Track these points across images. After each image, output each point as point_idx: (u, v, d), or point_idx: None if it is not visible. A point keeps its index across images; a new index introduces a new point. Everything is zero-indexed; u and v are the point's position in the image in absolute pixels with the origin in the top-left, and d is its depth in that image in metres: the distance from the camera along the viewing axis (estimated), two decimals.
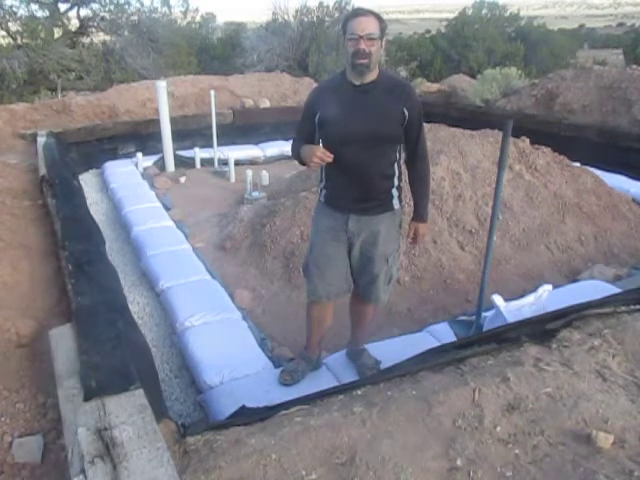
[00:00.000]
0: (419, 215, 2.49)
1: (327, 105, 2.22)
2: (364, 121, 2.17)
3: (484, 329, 2.90)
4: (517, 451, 1.59)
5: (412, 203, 2.51)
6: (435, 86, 10.41)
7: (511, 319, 2.71)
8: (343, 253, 2.41)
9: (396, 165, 2.32)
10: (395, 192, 2.35)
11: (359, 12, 2.13)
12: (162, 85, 6.47)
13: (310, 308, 2.61)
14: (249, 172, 5.69)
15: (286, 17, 16.12)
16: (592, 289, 3.34)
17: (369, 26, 2.08)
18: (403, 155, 2.39)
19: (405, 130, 2.25)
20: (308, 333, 2.70)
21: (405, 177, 2.43)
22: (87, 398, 1.74)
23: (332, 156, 2.14)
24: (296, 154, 2.33)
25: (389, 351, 2.77)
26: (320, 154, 2.12)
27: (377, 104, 2.18)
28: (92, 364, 1.92)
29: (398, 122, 2.21)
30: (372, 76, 2.18)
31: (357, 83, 2.18)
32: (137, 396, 1.76)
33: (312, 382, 2.57)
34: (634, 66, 8.13)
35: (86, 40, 14.79)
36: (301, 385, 2.58)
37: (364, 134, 2.17)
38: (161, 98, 6.45)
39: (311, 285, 2.49)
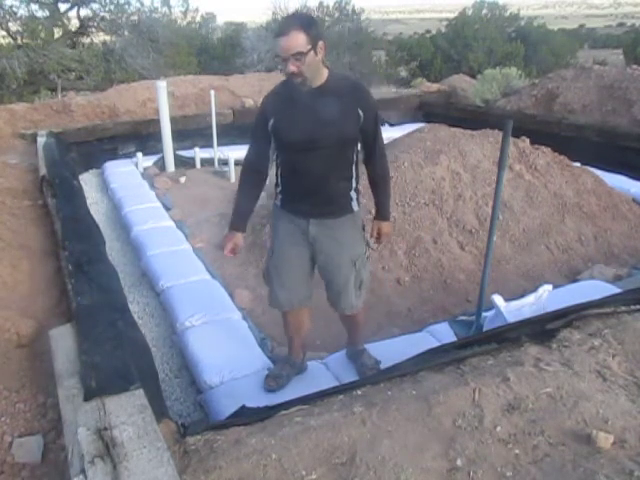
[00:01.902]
0: (381, 214, 2.47)
1: (281, 112, 2.17)
2: (319, 124, 2.12)
3: (484, 329, 2.90)
4: (517, 451, 1.59)
5: (374, 203, 2.49)
6: (435, 86, 10.41)
7: (511, 319, 2.71)
8: (304, 258, 2.37)
9: (354, 167, 2.29)
10: (354, 194, 2.32)
11: (281, 31, 2.02)
12: (162, 85, 6.47)
13: (285, 316, 2.60)
14: None
15: None
16: (592, 289, 3.34)
17: (292, 46, 1.98)
18: (360, 156, 2.36)
19: (361, 130, 2.21)
20: (288, 339, 2.70)
21: (363, 179, 2.41)
22: (87, 398, 1.74)
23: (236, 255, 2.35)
24: (245, 169, 2.34)
25: (389, 351, 2.77)
26: (227, 251, 2.32)
27: (331, 107, 2.12)
28: (92, 364, 1.92)
29: (354, 123, 2.17)
30: (319, 80, 2.12)
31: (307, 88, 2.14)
32: (137, 396, 1.76)
33: (312, 382, 2.56)
34: (634, 66, 8.13)
35: (86, 40, 14.78)
36: (301, 385, 2.58)
37: (321, 138, 2.13)
38: (161, 98, 6.45)
39: (272, 292, 2.46)
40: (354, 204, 2.33)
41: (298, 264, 2.38)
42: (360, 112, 2.16)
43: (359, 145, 2.30)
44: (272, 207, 2.48)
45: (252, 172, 2.35)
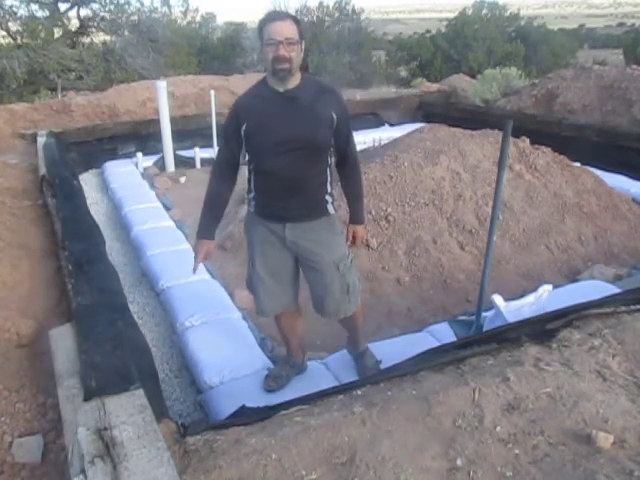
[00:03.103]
0: (356, 218, 2.45)
1: (253, 116, 2.14)
2: (293, 128, 2.10)
3: (484, 329, 2.90)
4: (517, 451, 1.59)
5: (347, 206, 2.47)
6: (435, 86, 10.42)
7: (511, 319, 2.71)
8: (285, 263, 2.35)
9: (328, 170, 2.27)
10: (329, 198, 2.29)
11: (276, 16, 2.04)
12: (162, 85, 6.47)
13: (277, 320, 2.59)
14: None
15: None
16: (592, 289, 3.34)
17: (287, 30, 1.99)
18: (333, 160, 2.34)
19: (334, 134, 2.19)
20: (284, 341, 2.70)
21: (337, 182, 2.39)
22: (87, 398, 1.74)
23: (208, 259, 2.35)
24: (215, 174, 2.32)
25: (389, 351, 2.77)
26: (200, 259, 2.32)
27: (305, 110, 2.10)
28: (92, 364, 1.92)
29: (328, 127, 2.15)
30: (295, 81, 2.11)
31: (281, 90, 2.11)
32: (137, 396, 1.76)
33: (312, 382, 2.56)
34: (634, 66, 8.13)
35: (86, 40, 14.77)
36: (301, 385, 2.58)
37: (294, 142, 2.11)
38: (161, 98, 6.45)
39: (258, 301, 2.44)
40: (329, 207, 2.30)
41: (279, 269, 2.36)
42: (334, 115, 2.14)
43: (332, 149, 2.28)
44: (245, 215, 2.44)
45: (221, 177, 2.32)
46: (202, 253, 2.33)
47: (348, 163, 2.34)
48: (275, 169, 2.16)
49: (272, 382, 2.58)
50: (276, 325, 2.65)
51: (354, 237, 2.48)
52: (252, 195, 2.32)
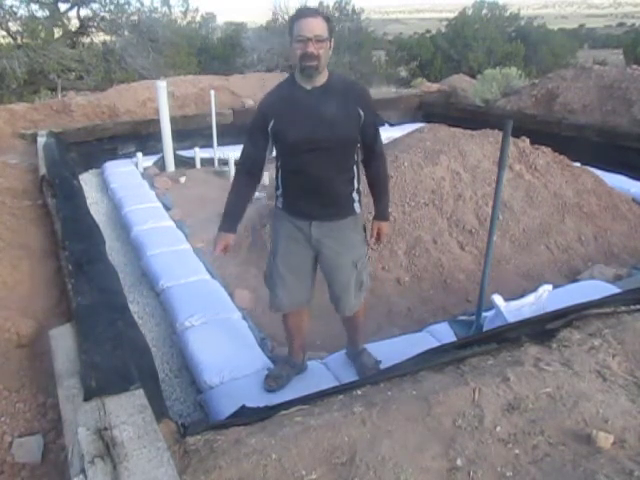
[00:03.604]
0: (381, 215, 2.46)
1: (281, 113, 2.16)
2: (320, 126, 2.11)
3: (484, 329, 2.90)
4: (517, 451, 1.59)
5: (373, 203, 2.48)
6: (435, 86, 10.42)
7: (511, 319, 2.71)
8: (306, 260, 2.37)
9: (355, 168, 2.29)
10: (355, 196, 2.31)
11: (306, 13, 2.06)
12: (162, 85, 6.47)
13: (285, 318, 2.60)
14: None
15: (286, 17, 16.11)
16: (592, 289, 3.34)
17: (317, 27, 2.01)
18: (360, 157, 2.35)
19: (361, 131, 2.21)
20: (289, 340, 2.70)
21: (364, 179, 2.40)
22: (87, 398, 1.74)
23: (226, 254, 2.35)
24: (240, 171, 2.35)
25: (389, 351, 2.77)
26: (218, 250, 2.31)
27: (332, 107, 2.12)
28: (92, 364, 1.92)
29: (354, 124, 2.17)
30: (322, 79, 2.13)
31: (308, 87, 2.13)
32: (137, 396, 1.76)
33: (312, 382, 2.57)
34: (634, 66, 8.13)
35: (86, 40, 14.78)
36: (301, 385, 2.58)
37: (322, 139, 2.12)
38: (161, 98, 6.45)
39: (274, 296, 2.45)
40: (356, 206, 2.33)
41: (300, 266, 2.38)
42: (361, 112, 2.16)
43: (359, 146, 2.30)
44: (273, 210, 2.47)
45: (246, 174, 2.34)
46: (221, 245, 2.34)
47: (375, 160, 2.34)
48: (302, 166, 2.19)
49: (272, 382, 2.58)
50: (283, 323, 2.65)
51: (379, 234, 2.49)
52: (279, 192, 2.35)
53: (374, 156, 2.33)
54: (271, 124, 2.17)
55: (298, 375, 2.69)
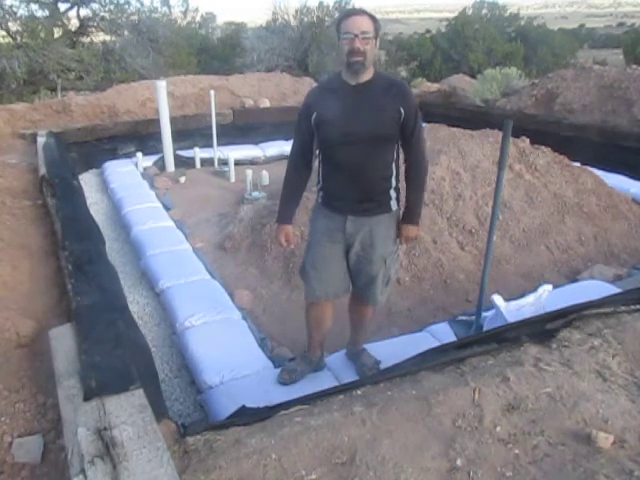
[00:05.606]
0: (410, 217, 2.44)
1: (324, 106, 2.22)
2: (362, 121, 2.16)
3: (484, 329, 2.90)
4: (517, 451, 1.59)
5: (404, 203, 2.47)
6: (435, 86, 10.42)
7: (511, 319, 2.71)
8: (340, 254, 2.40)
9: (394, 165, 2.31)
10: (393, 193, 2.33)
11: (353, 11, 2.15)
12: (162, 85, 6.47)
13: (309, 310, 2.61)
14: (249, 172, 5.68)
15: (286, 17, 16.13)
16: (592, 289, 3.34)
17: (363, 25, 2.09)
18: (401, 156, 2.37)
19: (402, 129, 2.23)
20: (308, 335, 2.70)
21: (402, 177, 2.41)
22: (87, 398, 1.74)
23: (292, 245, 2.40)
24: (290, 164, 2.42)
25: (389, 351, 2.77)
26: (283, 242, 2.43)
27: (374, 103, 2.17)
28: (92, 364, 1.92)
29: (395, 121, 2.20)
30: (368, 75, 2.18)
31: (353, 83, 2.18)
32: (137, 396, 1.76)
33: (312, 382, 2.57)
34: (634, 66, 8.13)
35: (86, 40, 14.79)
36: (301, 385, 2.58)
37: (362, 134, 2.17)
38: (161, 98, 6.45)
39: (309, 287, 2.49)
40: (393, 203, 2.35)
41: (334, 260, 2.41)
42: (402, 110, 2.19)
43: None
44: (313, 206, 2.54)
45: (297, 167, 2.41)
46: (283, 235, 2.45)
47: (414, 159, 2.35)
48: (340, 160, 2.24)
49: (286, 375, 2.62)
50: (305, 317, 2.66)
51: (405, 237, 2.47)
52: (320, 186, 2.41)
53: (413, 156, 2.34)
54: (314, 116, 2.23)
55: (315, 372, 2.70)
